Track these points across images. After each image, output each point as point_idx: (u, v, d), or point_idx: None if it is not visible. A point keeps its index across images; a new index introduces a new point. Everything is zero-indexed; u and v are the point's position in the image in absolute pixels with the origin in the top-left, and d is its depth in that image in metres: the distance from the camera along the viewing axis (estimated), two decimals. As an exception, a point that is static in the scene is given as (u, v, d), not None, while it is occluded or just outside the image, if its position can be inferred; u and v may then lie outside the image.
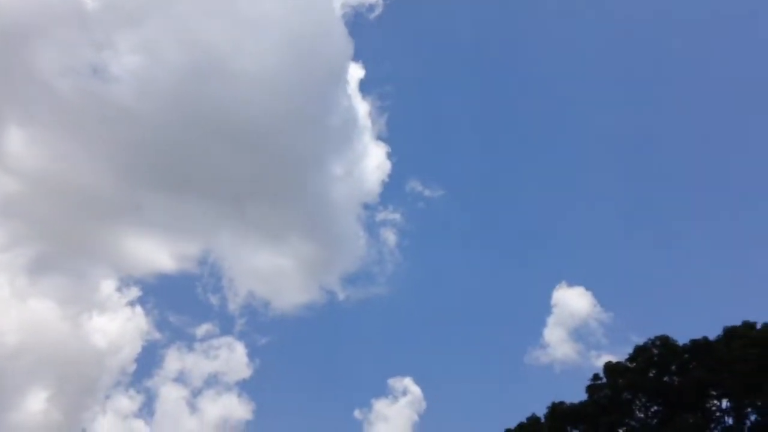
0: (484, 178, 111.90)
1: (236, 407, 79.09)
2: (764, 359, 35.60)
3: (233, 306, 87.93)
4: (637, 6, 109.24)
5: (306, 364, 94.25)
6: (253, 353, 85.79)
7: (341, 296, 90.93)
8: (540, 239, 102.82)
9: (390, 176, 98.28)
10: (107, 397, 77.66)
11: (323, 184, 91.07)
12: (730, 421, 37.74)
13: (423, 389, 77.95)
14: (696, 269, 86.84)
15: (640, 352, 40.11)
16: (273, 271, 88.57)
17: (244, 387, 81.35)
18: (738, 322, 38.50)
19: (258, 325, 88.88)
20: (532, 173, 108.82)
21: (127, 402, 77.70)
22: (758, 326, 37.62)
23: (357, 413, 78.49)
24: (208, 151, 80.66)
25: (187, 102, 77.78)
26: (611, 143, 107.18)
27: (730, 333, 37.94)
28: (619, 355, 72.85)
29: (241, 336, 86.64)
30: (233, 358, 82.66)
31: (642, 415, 40.35)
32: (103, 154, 79.10)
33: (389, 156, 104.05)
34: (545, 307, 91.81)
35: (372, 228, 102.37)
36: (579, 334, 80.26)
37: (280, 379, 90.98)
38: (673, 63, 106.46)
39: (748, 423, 37.05)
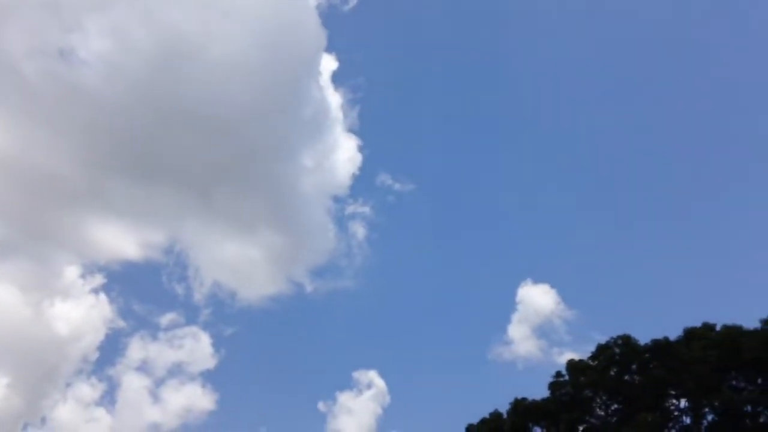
0: (454, 173, 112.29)
1: (199, 398, 78.54)
2: (722, 361, 36.25)
3: (199, 296, 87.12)
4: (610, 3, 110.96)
5: (271, 356, 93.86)
6: (218, 344, 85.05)
7: (309, 288, 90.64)
8: (507, 236, 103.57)
9: (361, 169, 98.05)
10: (68, 384, 76.83)
11: (293, 176, 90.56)
12: (687, 420, 38.37)
13: (387, 383, 78.17)
14: (659, 270, 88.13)
15: (602, 350, 40.54)
16: (240, 261, 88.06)
17: (208, 377, 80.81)
18: (698, 324, 39.26)
19: (223, 316, 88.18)
20: (501, 170, 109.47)
21: (88, 390, 76.89)
22: (718, 328, 38.27)
23: (321, 406, 78.42)
24: (176, 138, 79.86)
25: (156, 88, 76.56)
26: (580, 142, 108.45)
27: (690, 334, 38.55)
28: (581, 352, 73.64)
29: (206, 326, 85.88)
30: (198, 348, 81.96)
31: (602, 413, 40.84)
32: (69, 139, 78.00)
33: (360, 149, 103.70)
34: (510, 304, 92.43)
35: (341, 221, 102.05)
36: (543, 331, 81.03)
37: (245, 370, 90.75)
38: (640, 60, 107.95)
39: (705, 423, 37.69)
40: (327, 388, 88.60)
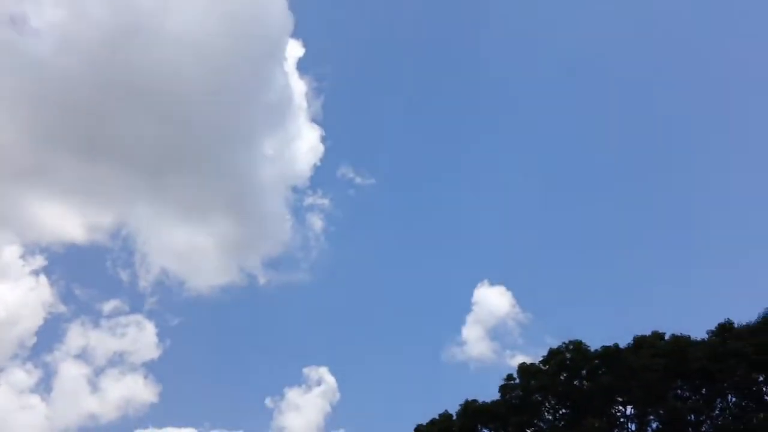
0: (416, 170, 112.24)
1: (141, 389, 76.79)
2: (670, 369, 36.94)
3: (145, 283, 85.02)
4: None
5: (219, 349, 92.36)
6: (163, 334, 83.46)
7: (262, 280, 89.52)
8: (466, 236, 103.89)
9: (322, 160, 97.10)
10: (2, 369, 74.79)
11: (252, 163, 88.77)
12: (633, 427, 39.04)
13: (338, 380, 77.77)
14: (614, 277, 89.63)
15: (553, 355, 40.93)
16: (191, 248, 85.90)
17: (151, 368, 79.09)
18: (648, 332, 39.99)
19: (170, 305, 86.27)
20: (465, 170, 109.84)
21: (23, 376, 74.76)
22: (666, 337, 39.05)
23: (268, 401, 77.66)
24: (130, 117, 76.37)
25: (111, 62, 73.09)
26: (544, 143, 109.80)
27: (639, 342, 39.22)
28: (533, 356, 74.08)
29: (151, 315, 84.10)
30: (141, 337, 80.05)
31: (550, 417, 41.24)
32: (14, 110, 74.86)
33: (323, 139, 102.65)
34: (466, 305, 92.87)
35: (299, 212, 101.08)
36: (496, 333, 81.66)
37: (190, 362, 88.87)
38: (607, 57, 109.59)
39: (650, 430, 38.41)
40: (275, 384, 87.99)
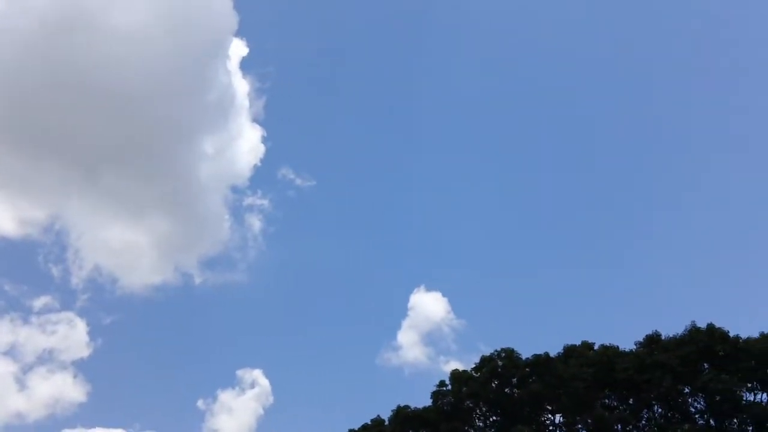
0: (357, 173, 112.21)
1: (70, 388, 74.85)
2: (598, 379, 37.37)
3: (77, 279, 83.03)
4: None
5: (151, 349, 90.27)
6: (94, 332, 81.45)
7: (198, 280, 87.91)
8: (405, 241, 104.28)
9: (262, 161, 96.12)
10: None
11: (191, 161, 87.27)
12: (561, 435, 39.38)
13: (272, 383, 76.74)
14: (548, 286, 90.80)
15: (485, 362, 40.92)
16: (125, 246, 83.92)
17: (81, 367, 77.33)
18: (578, 341, 40.41)
19: (103, 303, 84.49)
20: (406, 175, 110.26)
21: (-53, 373, 71.89)
22: (596, 347, 39.52)
23: (200, 403, 76.25)
24: (66, 110, 74.34)
25: (49, 54, 71.45)
26: (485, 151, 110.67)
27: (569, 351, 39.58)
28: (466, 362, 74.98)
29: (83, 312, 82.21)
30: (72, 335, 78.13)
31: (481, 424, 41.23)
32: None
33: (264, 140, 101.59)
34: (402, 310, 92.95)
35: (238, 212, 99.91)
36: (431, 338, 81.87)
37: (121, 361, 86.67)
38: (549, 60, 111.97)
39: (577, 438, 38.79)
40: (208, 386, 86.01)
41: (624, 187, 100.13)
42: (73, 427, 75.78)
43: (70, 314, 78.29)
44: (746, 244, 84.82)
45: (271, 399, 74.43)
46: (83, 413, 75.31)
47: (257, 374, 75.52)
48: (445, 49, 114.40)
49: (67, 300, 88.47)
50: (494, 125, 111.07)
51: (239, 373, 78.11)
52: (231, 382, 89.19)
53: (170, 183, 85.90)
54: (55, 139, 75.36)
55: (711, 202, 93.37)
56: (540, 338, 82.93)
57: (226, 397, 76.27)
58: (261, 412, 74.17)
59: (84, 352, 76.68)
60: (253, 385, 75.39)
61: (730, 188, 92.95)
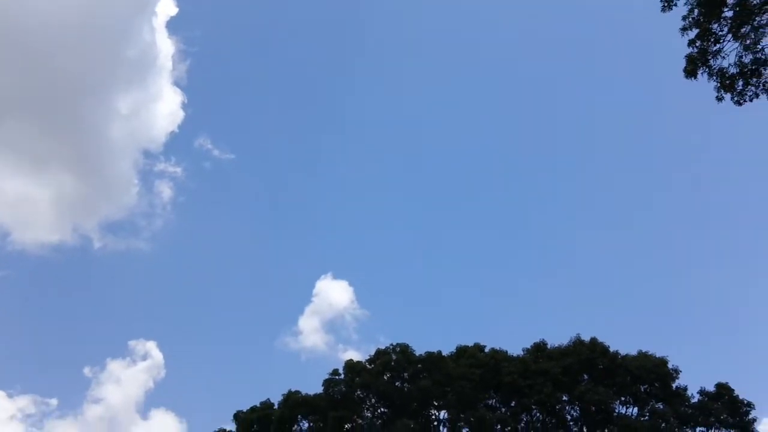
0: (278, 153, 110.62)
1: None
2: (485, 380, 38.80)
3: (-34, 230, 79.07)
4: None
5: (40, 309, 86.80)
6: (-21, 286, 77.65)
7: (97, 244, 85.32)
8: (319, 227, 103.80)
9: (180, 127, 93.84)
10: None
11: (103, 119, 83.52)
12: (444, 431, 40.64)
13: (166, 356, 75.28)
14: (452, 286, 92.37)
15: (380, 355, 41.76)
16: (22, 199, 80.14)
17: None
18: (471, 343, 41.84)
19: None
20: (327, 163, 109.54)
21: None
22: (487, 349, 41.00)
23: (87, 370, 74.26)
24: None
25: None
26: (405, 148, 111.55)
27: (461, 352, 40.91)
28: (365, 353, 75.83)
29: (-32, 264, 78.08)
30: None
31: (369, 415, 42.05)
32: None
33: (184, 106, 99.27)
34: (306, 295, 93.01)
35: (148, 178, 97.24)
36: (333, 326, 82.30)
37: (6, 320, 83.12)
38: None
39: (459, 435, 40.15)
40: (97, 353, 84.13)
41: (537, 197, 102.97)
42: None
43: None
44: (638, 267, 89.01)
45: (162, 373, 72.94)
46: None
47: (151, 346, 73.93)
48: (379, 32, 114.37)
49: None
50: (414, 112, 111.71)
51: (132, 343, 76.61)
52: (122, 352, 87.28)
53: (77, 140, 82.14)
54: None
55: (616, 221, 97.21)
56: (437, 336, 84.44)
57: (115, 366, 74.48)
58: (151, 385, 72.61)
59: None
60: (145, 357, 73.88)
61: (634, 208, 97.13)
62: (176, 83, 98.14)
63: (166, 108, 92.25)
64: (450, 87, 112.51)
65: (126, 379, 72.07)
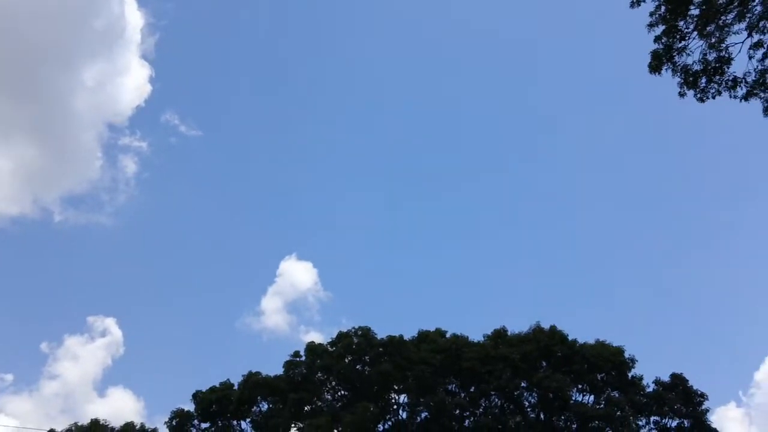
0: (246, 131, 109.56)
1: None
2: (445, 365, 39.07)
3: None
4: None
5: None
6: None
7: (58, 217, 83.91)
8: (284, 207, 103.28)
9: (147, 102, 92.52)
10: None
11: (68, 90, 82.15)
12: (404, 415, 40.86)
13: (125, 334, 74.58)
14: (416, 270, 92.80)
15: (342, 338, 41.71)
16: (-19, 169, 78.56)
17: None
18: (433, 328, 41.99)
19: (-55, 226, 78.74)
20: (297, 143, 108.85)
21: None
22: (448, 335, 41.22)
23: (44, 346, 73.08)
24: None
25: None
26: (380, 136, 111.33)
27: (422, 336, 41.09)
28: (327, 335, 75.77)
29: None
30: None
31: (329, 397, 42.10)
32: None
33: (151, 80, 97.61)
34: (270, 275, 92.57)
35: (112, 151, 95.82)
36: (295, 307, 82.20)
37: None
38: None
39: (418, 419, 40.37)
40: (55, 329, 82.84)
41: (501, 184, 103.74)
42: None
43: None
44: (598, 257, 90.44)
45: (121, 350, 71.98)
46: None
47: (110, 323, 72.89)
48: (352, 9, 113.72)
49: None
50: (384, 91, 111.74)
51: (90, 319, 75.57)
52: (80, 327, 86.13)
53: (41, 109, 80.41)
54: None
55: (576, 211, 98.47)
56: (399, 320, 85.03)
57: (73, 342, 73.66)
58: (109, 362, 71.64)
59: None
60: (104, 334, 72.83)
61: (595, 198, 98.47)
62: (144, 57, 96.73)
63: (132, 81, 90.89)
64: (423, 69, 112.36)
65: (84, 356, 71.14)
